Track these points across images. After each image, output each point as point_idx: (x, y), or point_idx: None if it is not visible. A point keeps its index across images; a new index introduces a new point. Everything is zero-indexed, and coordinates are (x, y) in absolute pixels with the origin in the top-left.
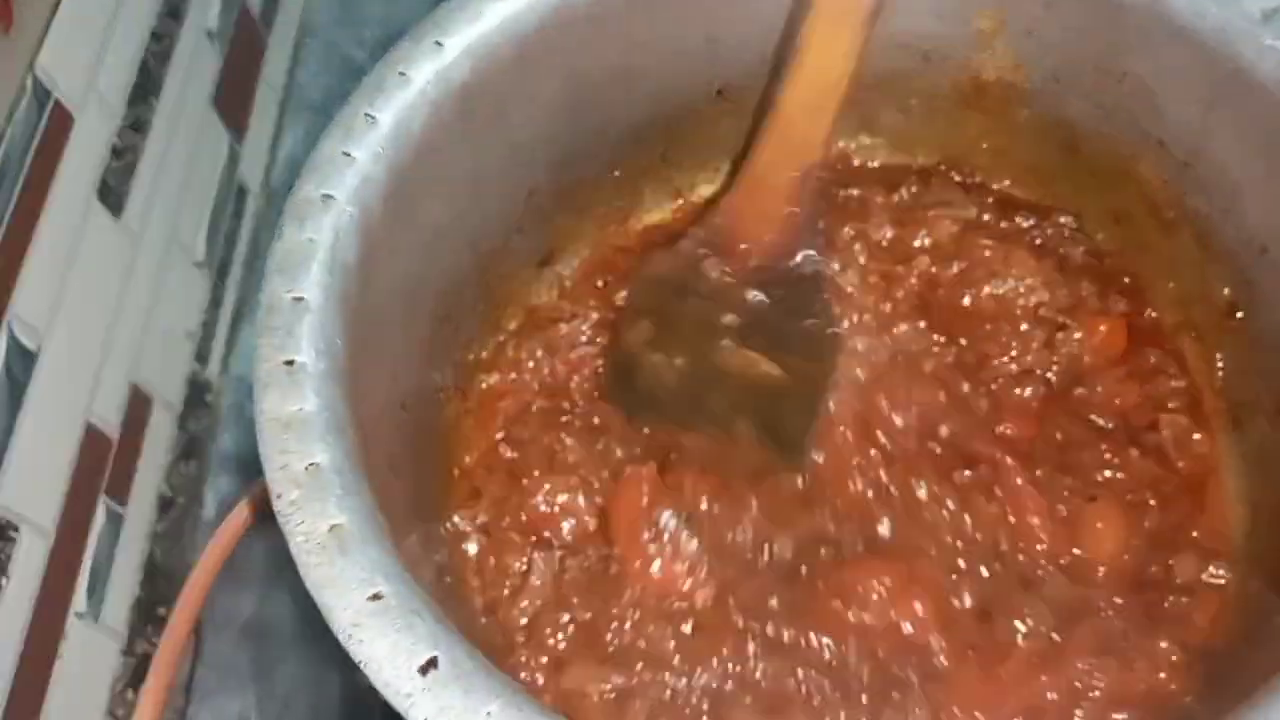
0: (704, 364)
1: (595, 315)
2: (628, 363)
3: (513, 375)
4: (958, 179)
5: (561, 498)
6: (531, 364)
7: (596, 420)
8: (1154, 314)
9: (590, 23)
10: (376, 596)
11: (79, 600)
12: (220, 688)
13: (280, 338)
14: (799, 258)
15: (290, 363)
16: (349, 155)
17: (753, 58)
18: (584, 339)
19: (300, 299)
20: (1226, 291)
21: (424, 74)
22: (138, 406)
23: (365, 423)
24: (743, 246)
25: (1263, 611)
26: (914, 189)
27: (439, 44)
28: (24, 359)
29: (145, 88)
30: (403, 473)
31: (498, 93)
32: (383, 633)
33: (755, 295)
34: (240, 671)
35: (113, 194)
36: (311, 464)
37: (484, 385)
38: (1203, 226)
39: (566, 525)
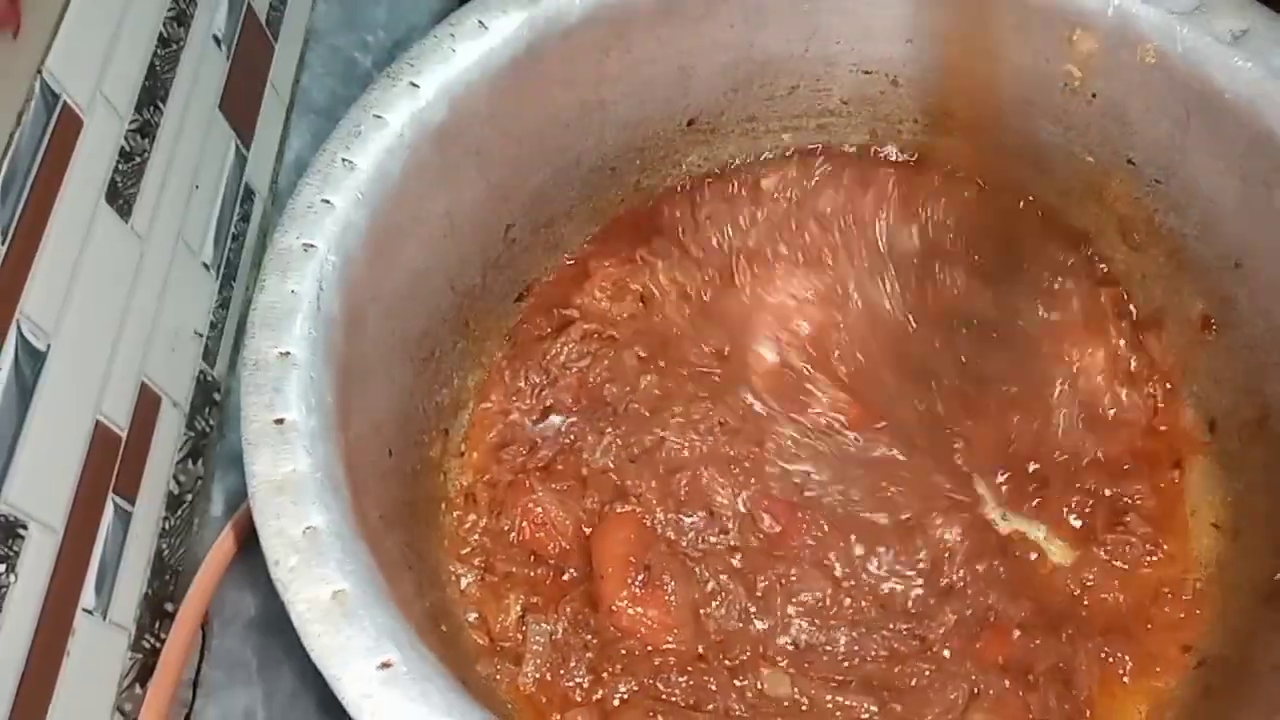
0: None
1: (584, 327)
2: None
3: (502, 403)
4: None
5: (554, 514)
6: (524, 387)
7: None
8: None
9: (564, 58)
10: (386, 665)
11: (87, 597)
12: (227, 683)
13: (268, 395)
14: None
15: (280, 421)
16: (328, 202)
17: (723, 87)
18: (575, 353)
19: (287, 354)
20: (1200, 305)
21: (401, 116)
22: (146, 405)
23: (355, 476)
24: None
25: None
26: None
27: (414, 85)
28: (33, 359)
29: (153, 91)
30: (393, 522)
31: (474, 131)
32: (396, 703)
33: None
34: (247, 667)
35: (121, 196)
36: (309, 527)
37: (471, 419)
38: (1175, 243)
39: (553, 546)
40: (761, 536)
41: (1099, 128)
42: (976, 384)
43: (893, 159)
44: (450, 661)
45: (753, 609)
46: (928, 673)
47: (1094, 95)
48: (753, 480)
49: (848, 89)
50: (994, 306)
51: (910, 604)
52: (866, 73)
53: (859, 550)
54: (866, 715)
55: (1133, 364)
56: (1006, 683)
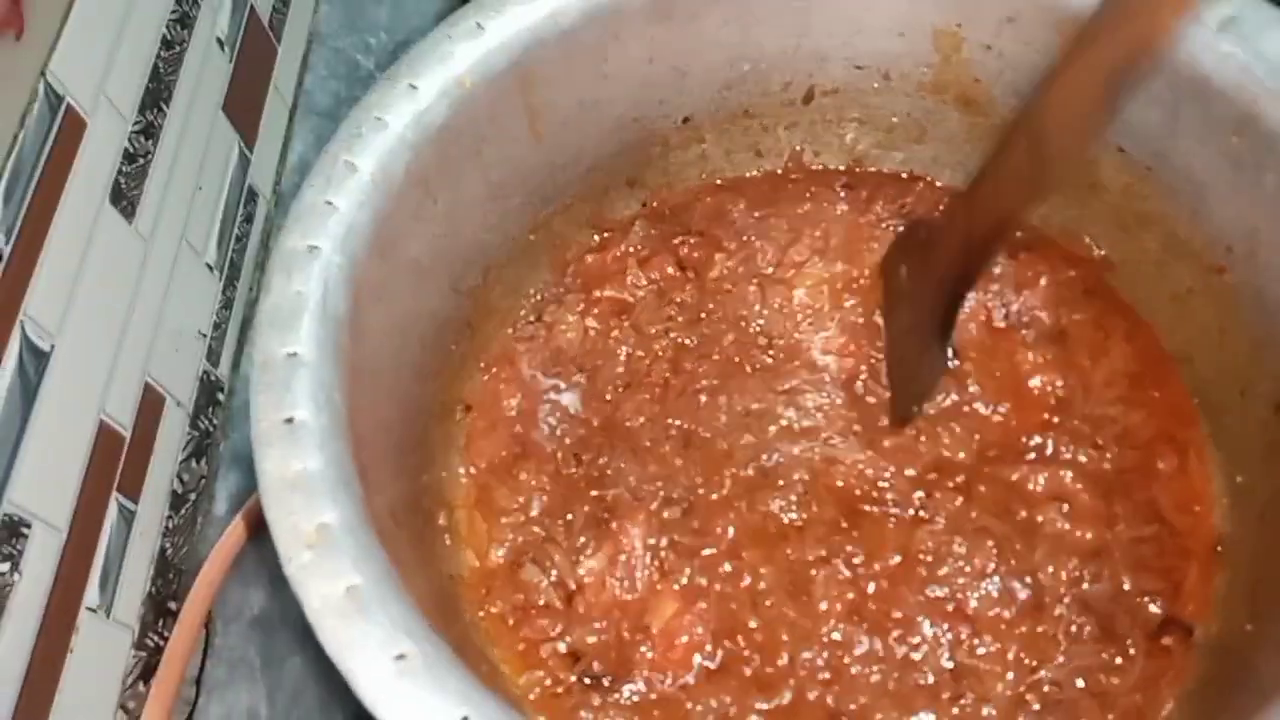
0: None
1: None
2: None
3: (505, 403)
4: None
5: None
6: (526, 388)
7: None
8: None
9: (562, 58)
10: (401, 657)
11: (91, 595)
12: (230, 681)
13: (277, 394)
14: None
15: (290, 420)
16: (331, 204)
17: (717, 85)
18: (578, 351)
19: (294, 354)
20: (1194, 291)
21: (402, 118)
22: (150, 405)
23: (366, 473)
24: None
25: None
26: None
27: (414, 87)
28: (37, 359)
29: (156, 93)
30: (403, 519)
31: (474, 132)
32: (412, 694)
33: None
34: (250, 665)
35: (125, 198)
36: (321, 524)
37: (474, 419)
38: (1167, 228)
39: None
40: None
41: None
42: None
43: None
44: (464, 653)
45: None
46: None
47: None
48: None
49: (841, 84)
50: None
51: None
52: (859, 67)
53: None
54: None
55: (1129, 356)
56: None
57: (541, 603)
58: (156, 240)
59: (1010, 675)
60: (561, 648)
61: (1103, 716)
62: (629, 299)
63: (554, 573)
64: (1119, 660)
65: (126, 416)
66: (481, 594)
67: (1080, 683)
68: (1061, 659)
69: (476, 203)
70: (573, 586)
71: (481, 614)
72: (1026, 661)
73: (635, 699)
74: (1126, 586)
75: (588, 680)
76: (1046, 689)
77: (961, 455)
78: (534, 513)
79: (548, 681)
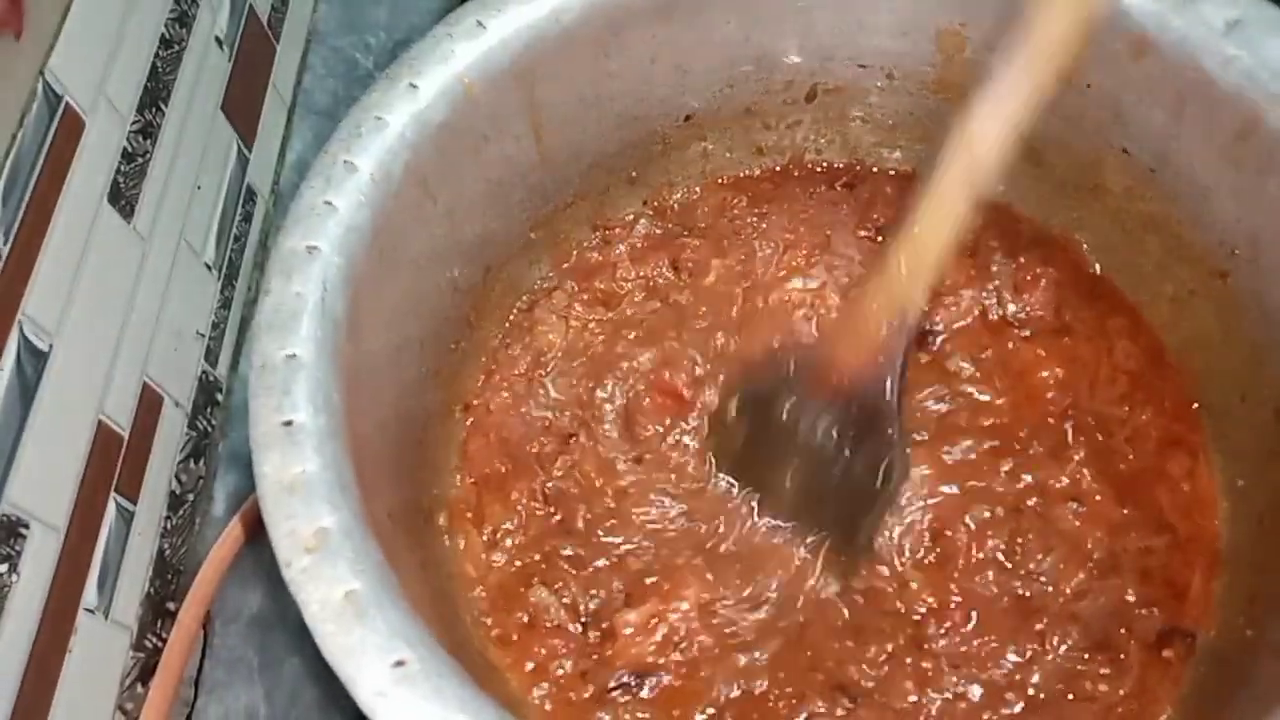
0: (779, 456)
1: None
2: (723, 428)
3: (504, 402)
4: None
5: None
6: (526, 387)
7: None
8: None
9: (562, 57)
10: (400, 663)
11: (89, 596)
12: (229, 681)
13: (276, 397)
14: (877, 392)
15: (289, 423)
16: (331, 204)
17: (719, 84)
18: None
19: (293, 356)
20: (1197, 294)
21: (401, 117)
22: (148, 405)
23: (364, 476)
24: (831, 376)
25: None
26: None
27: (414, 86)
28: (35, 359)
29: (155, 93)
30: (400, 520)
31: (474, 130)
32: (410, 701)
33: (830, 415)
34: (249, 665)
35: (123, 197)
36: (320, 528)
37: (472, 420)
38: (1170, 231)
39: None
40: None
41: (1093, 118)
42: None
43: (889, 156)
44: (463, 659)
45: None
46: None
47: (1088, 85)
48: None
49: (844, 83)
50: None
51: None
52: (862, 66)
53: None
54: None
55: (1133, 355)
56: None
57: (553, 624)
58: (155, 240)
59: (1005, 677)
60: (569, 666)
61: None
62: (618, 291)
63: (565, 598)
64: (1119, 659)
65: (125, 417)
66: (485, 606)
67: (1087, 685)
68: (1061, 662)
69: (477, 201)
70: (584, 617)
71: (488, 620)
72: (1024, 664)
73: (657, 692)
74: (1130, 597)
75: (608, 695)
76: (1042, 696)
77: (967, 442)
78: (532, 533)
79: (555, 690)
